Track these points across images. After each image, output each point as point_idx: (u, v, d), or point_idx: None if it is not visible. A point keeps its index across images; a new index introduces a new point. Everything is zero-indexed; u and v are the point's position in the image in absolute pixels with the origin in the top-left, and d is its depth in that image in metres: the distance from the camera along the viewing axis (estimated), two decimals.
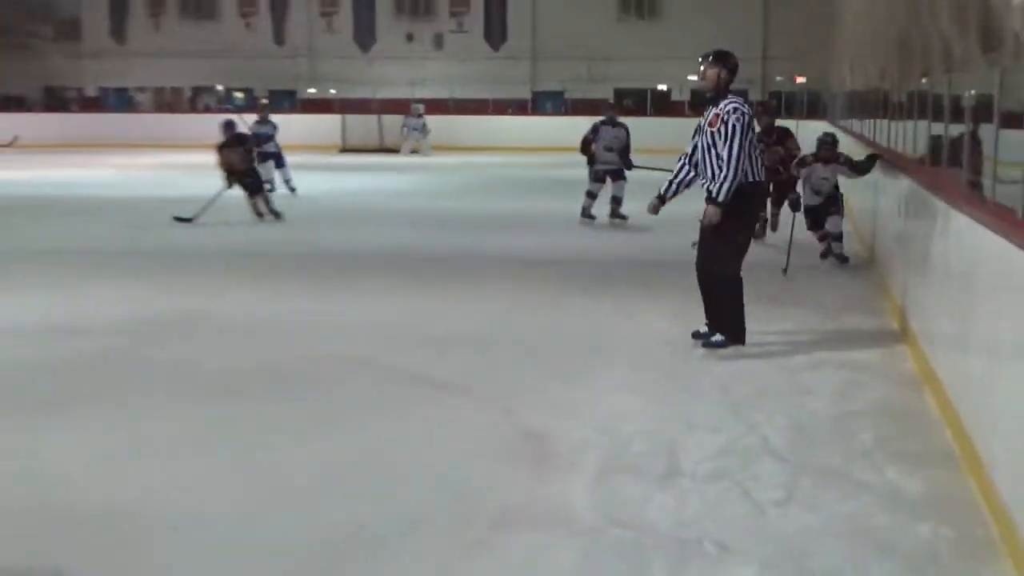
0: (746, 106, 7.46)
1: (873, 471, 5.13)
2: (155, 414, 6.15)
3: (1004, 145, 5.35)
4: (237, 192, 14.92)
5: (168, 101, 41.00)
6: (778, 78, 36.69)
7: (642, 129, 14.96)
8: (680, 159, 7.70)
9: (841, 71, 21.91)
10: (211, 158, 15.50)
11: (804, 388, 6.60)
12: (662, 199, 7.80)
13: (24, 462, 5.31)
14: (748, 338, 7.47)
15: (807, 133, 14.63)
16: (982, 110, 6.02)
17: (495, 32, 40.10)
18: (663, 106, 35.88)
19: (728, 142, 7.23)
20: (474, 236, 14.26)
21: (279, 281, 10.67)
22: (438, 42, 40.38)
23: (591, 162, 14.90)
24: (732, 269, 7.49)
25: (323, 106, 37.26)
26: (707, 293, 7.59)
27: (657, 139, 15.91)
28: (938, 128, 7.71)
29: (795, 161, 11.43)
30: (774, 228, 12.27)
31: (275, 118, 19.86)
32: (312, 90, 40.17)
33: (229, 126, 15.48)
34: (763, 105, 15.36)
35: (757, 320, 7.63)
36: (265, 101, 37.35)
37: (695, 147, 7.52)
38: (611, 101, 17.81)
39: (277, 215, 15.08)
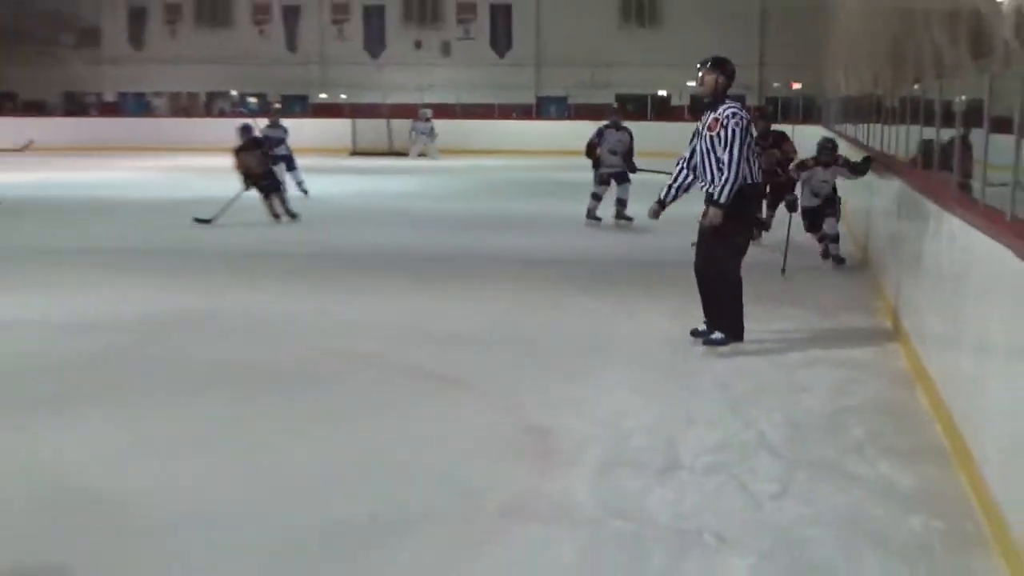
0: (744, 111, 7.47)
1: (866, 465, 5.13)
2: (159, 411, 6.15)
3: (994, 149, 5.35)
4: (254, 194, 14.88)
5: (184, 106, 41.02)
6: (774, 84, 36.65)
7: (643, 133, 14.95)
8: (678, 163, 7.68)
9: (835, 77, 21.92)
10: (226, 161, 15.48)
11: (800, 385, 6.59)
12: (662, 204, 7.79)
13: (26, 458, 5.29)
14: (746, 336, 7.47)
15: (803, 138, 14.63)
16: (972, 115, 6.01)
17: (500, 39, 40.09)
18: (663, 111, 35.87)
19: (728, 146, 7.22)
20: (478, 236, 14.27)
21: (287, 280, 10.67)
22: (445, 49, 40.36)
23: (596, 165, 14.87)
24: (732, 268, 7.49)
25: (334, 111, 37.27)
26: (705, 292, 7.58)
27: (657, 143, 15.90)
28: (930, 132, 7.70)
29: (795, 164, 11.41)
30: (767, 229, 12.23)
31: (286, 122, 19.86)
32: (323, 95, 40.18)
33: (246, 130, 15.44)
34: (760, 110, 15.31)
35: (755, 319, 7.63)
36: (278, 106, 37.42)
37: (693, 151, 7.52)
38: (615, 106, 17.77)
39: (293, 216, 15.03)
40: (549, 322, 8.62)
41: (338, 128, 33.69)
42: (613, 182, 14.79)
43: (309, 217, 14.92)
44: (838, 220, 11.30)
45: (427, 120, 31.95)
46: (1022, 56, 5.09)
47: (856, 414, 5.98)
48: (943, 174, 7.00)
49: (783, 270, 10.40)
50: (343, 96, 38.95)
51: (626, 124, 15.11)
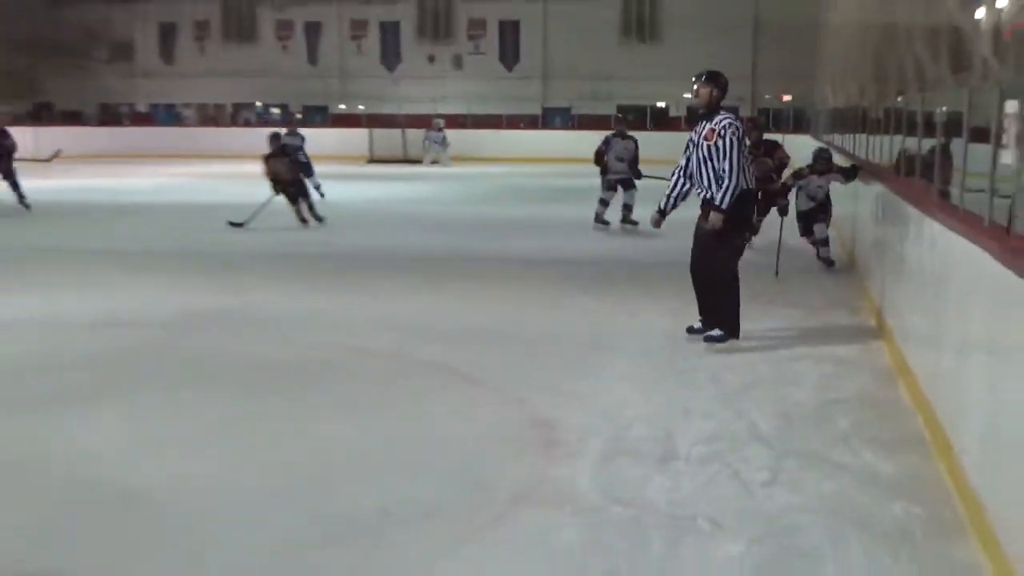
0: (738, 121, 7.48)
1: (851, 455, 5.13)
2: (178, 406, 6.13)
3: (972, 158, 5.34)
4: (283, 199, 14.81)
5: (212, 116, 41.05)
6: (766, 96, 36.62)
7: (642, 142, 14.89)
8: (674, 173, 7.67)
9: (824, 90, 21.89)
10: (251, 167, 15.47)
11: (789, 379, 6.58)
12: (663, 213, 7.76)
13: (44, 452, 5.27)
14: (741, 334, 7.47)
15: (793, 147, 14.58)
16: (952, 126, 6.01)
17: (509, 54, 40.08)
18: (661, 121, 35.80)
19: (728, 155, 7.22)
20: (488, 239, 14.26)
21: (305, 280, 10.65)
22: (457, 63, 40.37)
23: (604, 172, 14.85)
24: (730, 268, 7.49)
25: (352, 121, 37.29)
26: (701, 291, 7.59)
27: (656, 151, 15.88)
28: (912, 142, 7.70)
29: (792, 173, 11.39)
30: (755, 233, 12.22)
31: (306, 131, 19.87)
32: (342, 106, 40.21)
33: (275, 138, 15.29)
34: (752, 121, 15.27)
35: (749, 318, 7.62)
36: (299, 116, 37.53)
37: (688, 159, 7.51)
38: (621, 116, 17.79)
39: (319, 219, 14.93)
40: (553, 320, 8.62)
41: (356, 137, 33.69)
42: (620, 188, 14.77)
43: (329, 221, 14.91)
44: (828, 225, 11.29)
45: (440, 130, 31.98)
46: (999, 71, 5.08)
47: (842, 407, 5.97)
48: (924, 182, 7.00)
49: (776, 272, 10.39)
50: (361, 107, 38.99)
51: (631, 133, 15.10)
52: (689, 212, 7.67)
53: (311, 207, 14.93)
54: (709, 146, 7.30)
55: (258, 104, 41.20)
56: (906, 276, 6.90)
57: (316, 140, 19.79)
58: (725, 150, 7.23)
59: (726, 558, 3.96)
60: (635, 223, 14.33)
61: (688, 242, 7.71)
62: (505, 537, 4.20)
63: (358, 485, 4.81)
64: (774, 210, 11.20)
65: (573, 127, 36.86)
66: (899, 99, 8.86)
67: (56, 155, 18.49)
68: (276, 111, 40.11)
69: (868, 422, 5.67)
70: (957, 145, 5.74)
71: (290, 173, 14.69)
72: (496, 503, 4.55)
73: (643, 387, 6.44)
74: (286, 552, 4.05)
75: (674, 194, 7.66)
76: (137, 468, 5.01)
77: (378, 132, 33.76)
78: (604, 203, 14.88)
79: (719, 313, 7.46)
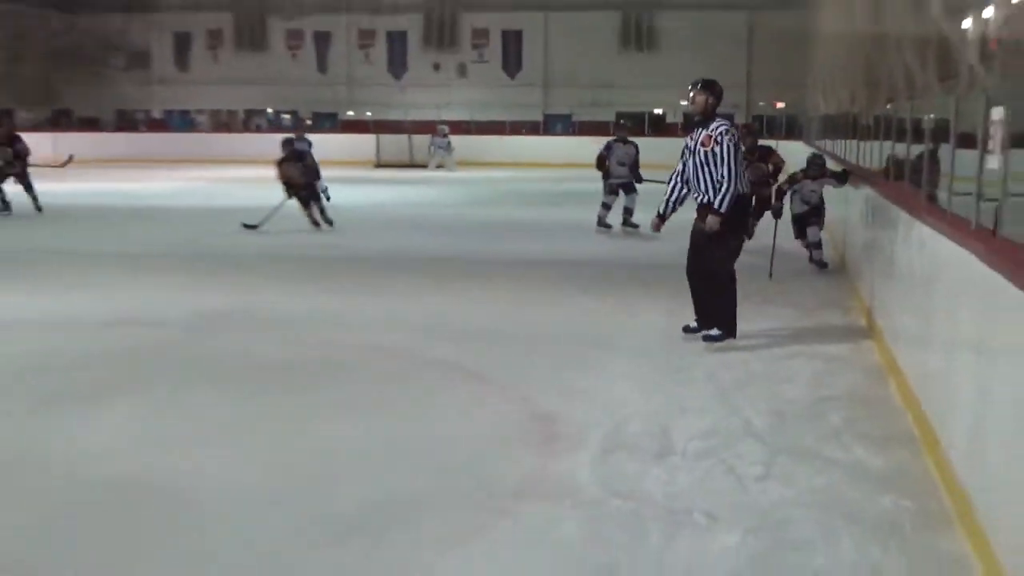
0: (734, 127, 7.48)
1: (842, 450, 5.13)
2: (190, 402, 6.13)
3: (959, 163, 5.34)
4: (295, 202, 14.74)
5: (225, 122, 41.03)
6: (760, 103, 36.59)
7: (640, 147, 14.89)
8: (672, 179, 7.66)
9: (816, 97, 21.86)
10: (262, 172, 15.44)
11: (783, 377, 6.58)
12: (662, 218, 7.76)
13: (59, 447, 5.27)
14: (737, 333, 7.48)
15: (786, 152, 14.56)
16: (940, 132, 6.00)
17: (511, 62, 40.05)
18: (659, 127, 35.73)
19: (725, 160, 7.23)
20: (492, 241, 14.24)
21: (316, 281, 10.65)
22: (462, 71, 40.34)
23: (606, 176, 14.85)
24: (728, 269, 7.50)
25: (360, 127, 37.26)
26: (697, 292, 7.59)
27: (654, 156, 15.87)
28: (901, 148, 7.69)
29: (787, 178, 11.39)
30: (750, 237, 12.20)
31: (314, 136, 19.86)
32: (351, 113, 40.19)
33: (288, 143, 15.20)
34: (747, 127, 15.25)
35: (743, 317, 7.61)
36: (309, 122, 37.57)
37: (685, 165, 7.51)
38: (623, 122, 17.78)
39: (330, 222, 14.83)
40: (555, 319, 8.62)
41: (364, 143, 33.68)
42: (621, 192, 14.76)
43: (338, 224, 14.88)
44: (821, 228, 11.28)
45: (445, 135, 31.96)
46: (985, 79, 5.08)
47: (834, 404, 5.97)
48: (912, 186, 6.99)
49: (770, 274, 10.38)
50: (368, 113, 38.99)
51: (632, 139, 15.09)
52: (687, 215, 7.67)
53: (322, 211, 14.84)
54: (706, 152, 7.30)
55: (269, 111, 41.20)
56: (895, 277, 6.90)
57: (325, 145, 19.80)
58: (722, 155, 7.23)
59: (721, 550, 3.97)
60: (636, 226, 14.32)
61: (686, 245, 7.71)
62: (507, 529, 4.20)
63: (364, 480, 4.80)
64: (767, 213, 11.21)
65: (573, 133, 36.79)
66: (888, 106, 8.84)
67: (69, 160, 18.52)
68: (287, 117, 40.10)
69: (859, 419, 5.67)
70: (945, 151, 5.74)
71: (303, 177, 14.60)
72: (498, 496, 4.56)
73: (641, 384, 6.44)
74: (292, 548, 4.04)
75: (672, 199, 7.66)
76: (146, 465, 5.00)
77: (385, 138, 33.76)
78: (606, 207, 14.88)
79: (716, 313, 7.46)
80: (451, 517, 4.33)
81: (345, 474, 4.89)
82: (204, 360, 7.19)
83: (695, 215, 7.56)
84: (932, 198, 6.09)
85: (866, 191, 9.20)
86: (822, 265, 11.13)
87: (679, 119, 35.10)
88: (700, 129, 7.42)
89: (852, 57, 13.29)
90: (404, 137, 33.19)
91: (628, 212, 14.65)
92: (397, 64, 40.68)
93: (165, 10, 39.25)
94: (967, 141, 4.99)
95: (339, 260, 12.34)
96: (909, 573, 3.80)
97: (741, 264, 7.69)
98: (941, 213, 5.45)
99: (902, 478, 4.74)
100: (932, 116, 6.47)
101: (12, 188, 16.63)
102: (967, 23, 5.64)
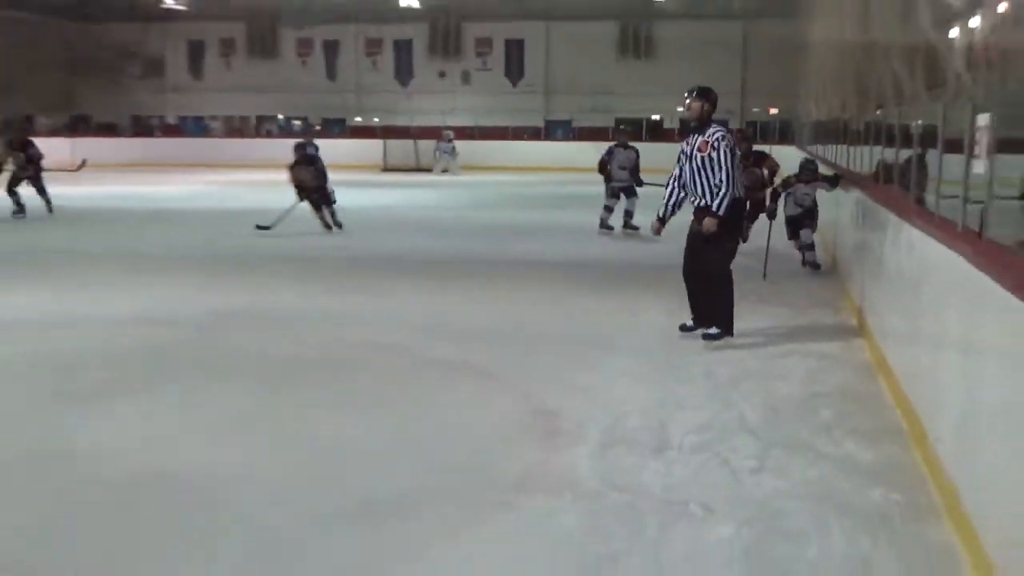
0: (729, 133, 7.48)
1: (834, 445, 5.13)
2: (204, 397, 6.14)
3: (946, 167, 5.34)
4: (306, 205, 14.68)
5: (237, 128, 41.06)
6: (754, 109, 36.57)
7: (639, 151, 14.89)
8: (669, 184, 7.66)
9: (808, 104, 21.85)
10: (274, 175, 15.41)
11: (776, 374, 6.58)
12: (662, 221, 7.75)
13: (86, 440, 5.28)
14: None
15: (779, 157, 14.53)
16: (928, 138, 6.00)
17: (514, 70, 40.05)
18: (657, 133, 35.74)
19: (723, 165, 7.23)
20: (495, 243, 14.24)
21: (326, 281, 10.65)
22: (466, 78, 40.34)
23: (607, 180, 14.85)
24: (725, 270, 7.50)
25: (368, 132, 37.30)
26: (694, 292, 7.59)
27: (652, 160, 15.85)
28: (890, 153, 7.69)
29: (781, 182, 11.39)
30: (744, 240, 12.20)
31: (323, 141, 19.81)
32: (359, 119, 40.22)
33: (300, 147, 15.05)
34: (741, 132, 15.26)
35: (739, 316, 7.60)
36: (318, 128, 37.60)
37: (682, 170, 7.50)
38: (623, 127, 17.77)
39: (339, 225, 14.76)
40: (557, 318, 8.62)
41: (371, 147, 33.70)
42: (622, 195, 14.77)
43: (347, 226, 14.85)
44: (814, 230, 11.28)
45: (449, 141, 32.02)
46: (971, 87, 5.08)
47: (826, 399, 5.97)
48: (901, 190, 6.99)
49: (764, 274, 10.38)
50: (376, 119, 39.03)
51: (632, 144, 15.09)
52: (685, 218, 7.67)
53: (333, 214, 14.78)
54: (703, 157, 7.29)
55: (280, 117, 41.24)
56: (885, 278, 6.90)
57: (334, 150, 19.74)
58: (720, 161, 7.23)
59: (717, 540, 3.97)
60: (636, 228, 14.34)
61: (683, 246, 7.71)
62: (509, 520, 4.21)
63: (368, 473, 4.81)
64: (761, 216, 11.21)
65: (574, 138, 36.85)
66: (878, 112, 8.84)
67: (83, 164, 18.53)
68: (297, 123, 40.16)
69: (850, 414, 5.67)
70: (932, 155, 5.74)
71: (314, 181, 14.55)
72: (502, 487, 4.56)
73: (640, 381, 6.43)
74: (297, 540, 4.04)
75: (671, 203, 7.66)
76: (164, 456, 5.01)
77: (392, 143, 33.79)
78: (608, 209, 14.89)
79: (715, 312, 7.46)
80: (453, 509, 4.33)
81: (349, 468, 4.89)
82: (219, 357, 7.20)
83: (692, 218, 7.56)
84: (920, 201, 6.09)
85: (856, 194, 9.20)
86: (815, 267, 11.12)
87: (676, 125, 35.11)
88: (696, 135, 7.42)
89: (843, 65, 13.28)
90: (410, 142, 33.21)
91: (628, 215, 14.67)
92: (403, 72, 40.70)
93: (179, 20, 39.23)
94: (954, 146, 4.99)
95: (346, 261, 12.34)
96: (899, 563, 3.80)
97: (736, 265, 7.69)
98: (929, 216, 5.45)
99: (892, 471, 4.74)
100: (920, 122, 6.47)
101: (25, 191, 16.63)
102: (954, 32, 5.64)
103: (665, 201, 7.68)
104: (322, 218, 14.70)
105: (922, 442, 4.85)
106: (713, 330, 7.41)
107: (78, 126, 38.54)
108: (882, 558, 3.84)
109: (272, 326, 8.27)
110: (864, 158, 9.66)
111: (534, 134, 37.89)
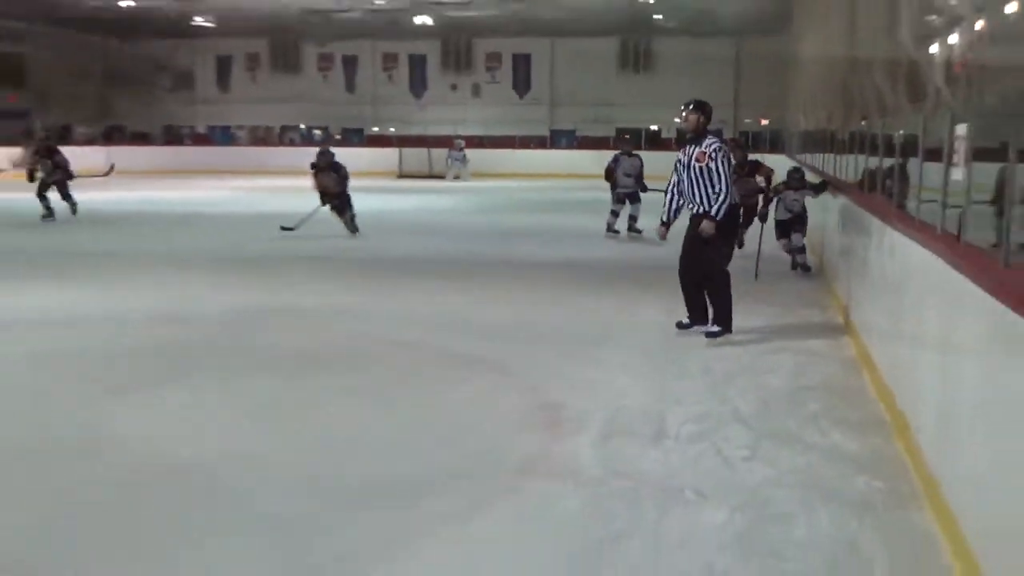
0: (724, 144, 7.51)
1: (821, 435, 5.13)
2: (227, 390, 6.14)
3: (926, 175, 5.34)
4: (328, 209, 14.60)
5: (262, 137, 41.08)
6: (747, 120, 36.50)
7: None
8: (668, 192, 7.64)
9: (797, 115, 21.81)
10: (296, 182, 15.38)
11: (767, 369, 6.58)
12: (666, 225, 7.74)
13: (114, 431, 5.28)
14: None
15: (771, 164, 14.52)
16: (909, 147, 6.00)
17: (521, 83, 40.03)
18: (655, 142, 35.69)
19: (722, 175, 7.27)
20: (503, 245, 14.24)
21: (343, 281, 10.67)
22: (476, 91, 40.32)
23: (613, 187, 14.86)
24: (722, 271, 7.51)
25: (384, 141, 37.30)
26: (690, 291, 7.58)
27: (651, 168, 15.84)
28: (874, 161, 7.68)
29: (773, 188, 11.38)
30: (740, 246, 12.18)
31: (341, 150, 19.77)
32: (376, 128, 40.22)
33: (324, 155, 14.84)
34: (735, 141, 15.24)
35: (734, 315, 7.59)
36: (338, 137, 37.64)
37: (680, 179, 7.49)
38: (628, 136, 17.74)
39: (357, 230, 14.59)
40: (562, 314, 8.62)
41: (387, 155, 33.67)
42: (627, 201, 14.76)
43: (364, 229, 14.82)
44: (804, 235, 11.27)
45: (461, 149, 32.01)
46: (950, 99, 5.07)
47: (813, 393, 5.97)
48: (884, 196, 6.98)
49: (756, 275, 10.37)
50: (392, 129, 39.05)
51: (636, 152, 15.09)
52: (685, 222, 7.65)
53: (352, 218, 14.66)
54: (701, 167, 7.31)
55: (302, 126, 41.25)
56: (869, 278, 6.89)
57: (352, 158, 19.69)
58: (718, 171, 7.27)
59: (711, 524, 3.97)
60: (640, 231, 14.35)
61: (678, 248, 7.71)
62: (515, 505, 4.22)
63: (384, 460, 4.82)
64: (754, 221, 11.19)
65: (577, 147, 36.78)
66: (862, 123, 8.83)
67: (111, 169, 18.55)
68: (318, 132, 40.17)
69: (836, 406, 5.67)
70: (913, 164, 5.73)
71: (337, 187, 14.46)
72: (508, 474, 4.57)
73: (640, 374, 6.44)
74: (313, 520, 4.05)
75: (672, 209, 7.64)
76: (186, 445, 5.03)
77: (407, 151, 33.77)
78: (614, 214, 14.90)
79: (715, 312, 7.45)
80: (463, 494, 4.33)
81: (363, 456, 4.89)
82: (234, 353, 7.19)
83: (688, 223, 7.55)
84: (902, 206, 6.08)
85: (842, 200, 9.19)
86: (806, 269, 11.11)
87: (673, 135, 35.06)
88: (693, 146, 7.42)
89: (829, 79, 13.26)
90: (424, 150, 33.18)
91: (633, 219, 14.68)
92: (418, 85, 40.70)
93: (208, 36, 39.25)
94: (934, 155, 4.99)
95: (364, 262, 12.35)
96: (882, 547, 3.79)
97: (732, 267, 7.69)
98: (910, 220, 5.45)
99: (875, 461, 4.74)
100: (902, 132, 6.47)
101: (53, 196, 16.66)
102: (934, 48, 5.63)
103: (666, 207, 7.67)
104: (346, 222, 14.66)
105: (904, 433, 4.85)
106: (715, 328, 7.41)
107: (113, 135, 38.58)
108: (866, 541, 3.83)
109: (291, 323, 8.28)
110: (850, 166, 9.64)
111: (540, 143, 37.84)
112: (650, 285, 9.90)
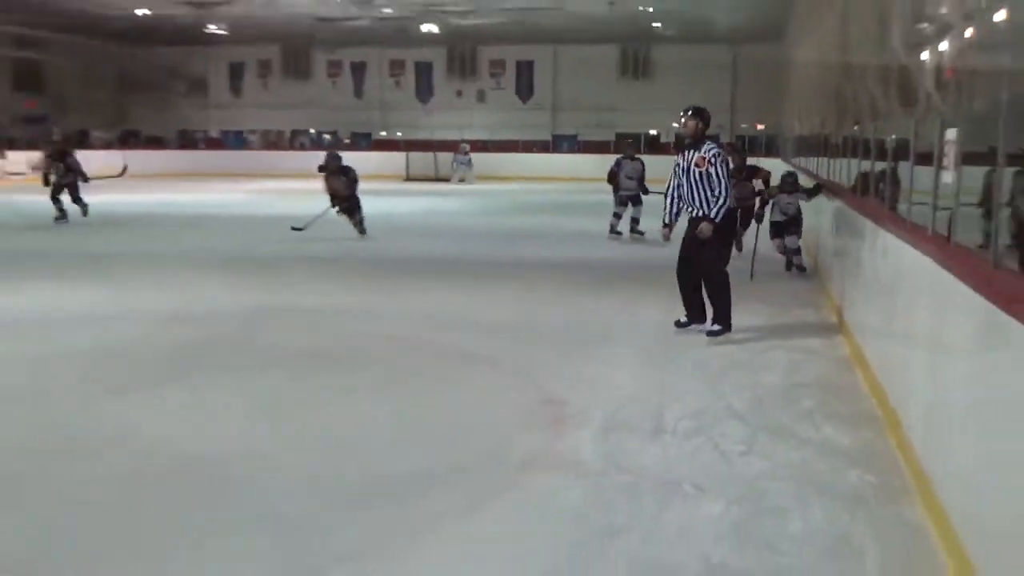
0: (722, 149, 7.51)
1: (814, 430, 5.13)
2: (234, 386, 6.13)
3: (917, 178, 5.33)
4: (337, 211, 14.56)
5: (273, 141, 41.07)
6: (743, 125, 36.44)
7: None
8: (668, 195, 7.64)
9: (792, 120, 21.79)
10: (306, 184, 15.39)
11: (762, 366, 6.58)
12: (668, 227, 7.73)
13: (124, 427, 5.26)
14: None
15: (766, 168, 14.51)
16: (901, 151, 5.99)
17: (524, 89, 39.98)
18: (654, 147, 35.64)
19: (721, 180, 7.29)
20: (506, 245, 14.24)
21: (349, 280, 10.66)
22: (481, 96, 40.29)
23: (616, 190, 14.86)
24: (721, 271, 7.51)
25: (391, 145, 37.30)
26: (687, 291, 7.59)
27: (650, 171, 15.83)
28: (867, 165, 7.67)
29: (768, 191, 11.38)
30: (739, 248, 12.17)
31: (349, 153, 19.77)
32: (383, 133, 40.21)
33: (334, 158, 14.80)
34: (731, 145, 15.25)
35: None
36: (347, 141, 37.65)
37: (680, 182, 7.49)
38: (630, 141, 17.70)
39: (364, 232, 14.59)
40: (563, 314, 8.62)
41: (395, 159, 33.69)
42: (629, 203, 14.76)
43: (372, 230, 14.82)
44: (799, 237, 11.26)
45: (466, 153, 32.04)
46: (940, 104, 5.07)
47: (807, 389, 5.97)
48: (876, 199, 6.98)
49: (751, 275, 10.36)
50: (399, 134, 39.04)
51: (638, 156, 15.08)
52: (684, 224, 7.65)
53: (361, 221, 14.62)
54: (701, 172, 7.32)
55: (312, 131, 41.25)
56: (862, 279, 6.89)
57: (360, 162, 19.68)
58: (717, 176, 7.29)
59: (708, 516, 3.98)
60: (642, 233, 14.37)
61: (676, 249, 7.70)
62: (518, 497, 4.22)
63: (389, 454, 4.81)
64: (750, 222, 11.18)
65: (578, 151, 36.79)
66: (855, 128, 8.81)
67: (124, 170, 18.54)
68: (327, 137, 40.17)
69: (829, 402, 5.67)
70: (905, 167, 5.72)
71: (346, 189, 14.40)
72: (511, 468, 4.57)
73: (639, 371, 6.44)
74: (317, 515, 4.04)
75: (673, 212, 7.64)
76: (193, 441, 5.02)
77: (413, 155, 33.79)
78: (617, 216, 14.89)
79: (715, 311, 7.45)
80: (466, 487, 4.34)
81: (368, 450, 4.89)
82: (245, 351, 7.19)
83: (687, 225, 7.55)
84: (894, 209, 6.07)
85: (836, 203, 9.18)
86: (802, 269, 11.11)
87: (671, 139, 35.05)
88: (692, 151, 7.42)
89: (823, 85, 13.24)
90: (430, 154, 33.20)
91: (635, 221, 14.69)
92: (424, 91, 40.68)
93: (221, 44, 39.24)
94: (924, 159, 4.98)
95: (371, 262, 12.34)
96: (874, 539, 3.79)
97: (728, 268, 7.69)
98: (901, 222, 5.44)
99: (867, 455, 4.74)
100: (894, 137, 6.46)
101: (66, 198, 16.63)
102: (925, 55, 5.63)
103: (667, 210, 7.67)
104: (355, 224, 14.65)
105: (895, 429, 4.85)
106: (715, 327, 7.41)
107: (129, 140, 38.63)
108: (858, 533, 3.83)
109: (299, 322, 8.27)
110: (843, 170, 9.63)
111: (542, 147, 37.83)
112: (650, 285, 9.89)
